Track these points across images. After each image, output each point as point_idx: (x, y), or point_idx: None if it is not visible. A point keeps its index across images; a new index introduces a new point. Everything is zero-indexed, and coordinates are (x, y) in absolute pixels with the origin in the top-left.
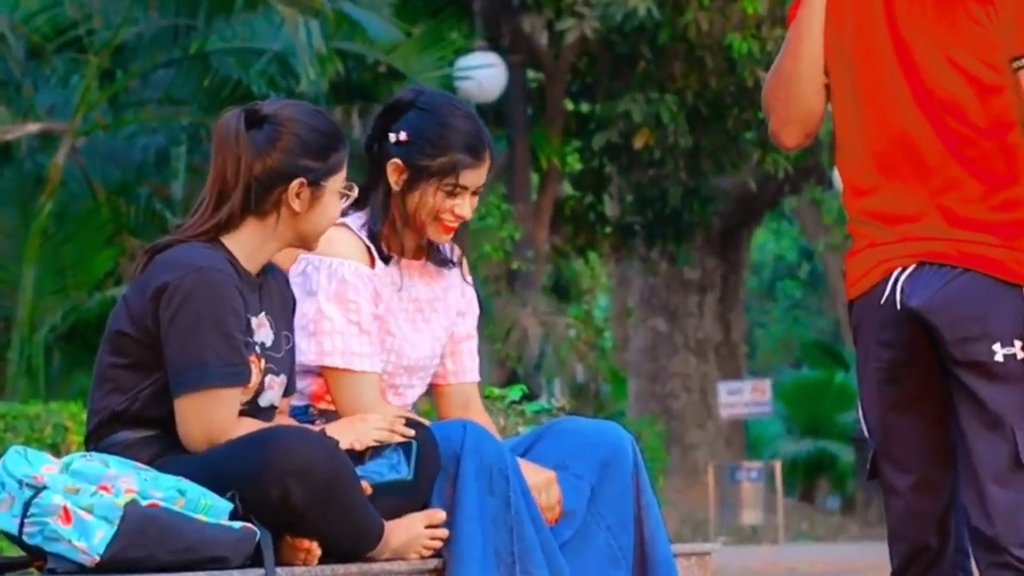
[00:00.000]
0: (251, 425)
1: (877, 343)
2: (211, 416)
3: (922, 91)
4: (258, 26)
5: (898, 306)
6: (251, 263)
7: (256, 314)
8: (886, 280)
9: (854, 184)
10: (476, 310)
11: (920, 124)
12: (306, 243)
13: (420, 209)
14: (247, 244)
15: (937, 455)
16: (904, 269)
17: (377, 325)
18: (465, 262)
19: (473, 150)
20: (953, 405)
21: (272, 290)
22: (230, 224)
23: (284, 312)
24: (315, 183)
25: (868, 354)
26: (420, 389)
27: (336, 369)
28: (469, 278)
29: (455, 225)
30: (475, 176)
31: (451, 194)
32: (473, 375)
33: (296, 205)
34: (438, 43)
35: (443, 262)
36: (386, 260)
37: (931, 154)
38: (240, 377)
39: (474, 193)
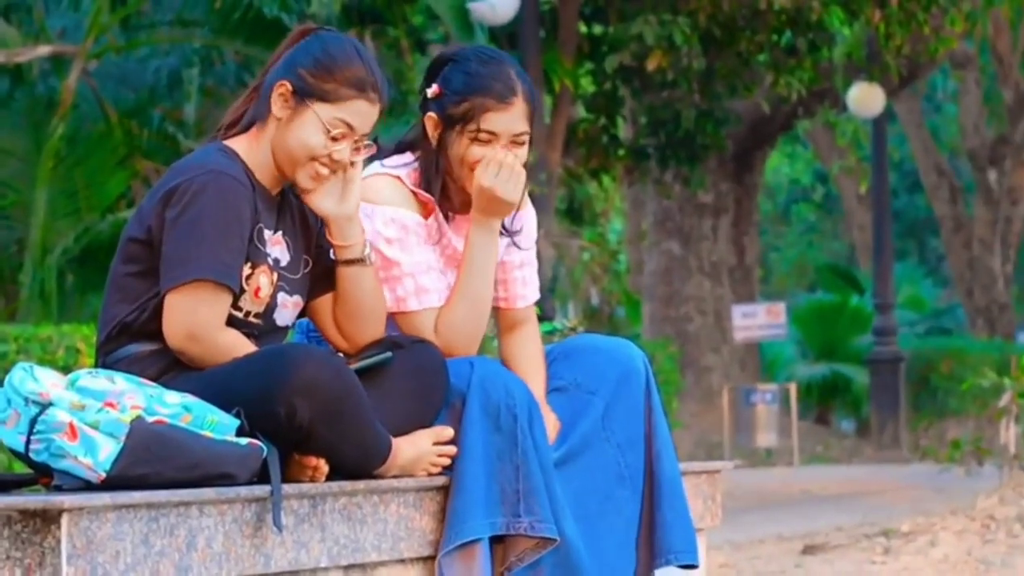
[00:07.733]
0: (237, 337)
1: None
2: (196, 312)
3: None
4: None
5: None
6: (265, 177)
7: (271, 229)
8: None
9: None
10: (532, 236)
11: None
12: (277, 157)
13: (453, 160)
14: (254, 153)
15: None
16: None
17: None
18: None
19: (494, 93)
20: None
21: (294, 211)
22: (238, 123)
23: (306, 236)
24: (298, 95)
25: None
26: None
27: (409, 312)
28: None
29: None
30: (501, 121)
31: (478, 141)
32: (522, 300)
33: (276, 107)
34: None
35: None
36: (426, 214)
37: None
38: (230, 277)
39: (515, 142)
